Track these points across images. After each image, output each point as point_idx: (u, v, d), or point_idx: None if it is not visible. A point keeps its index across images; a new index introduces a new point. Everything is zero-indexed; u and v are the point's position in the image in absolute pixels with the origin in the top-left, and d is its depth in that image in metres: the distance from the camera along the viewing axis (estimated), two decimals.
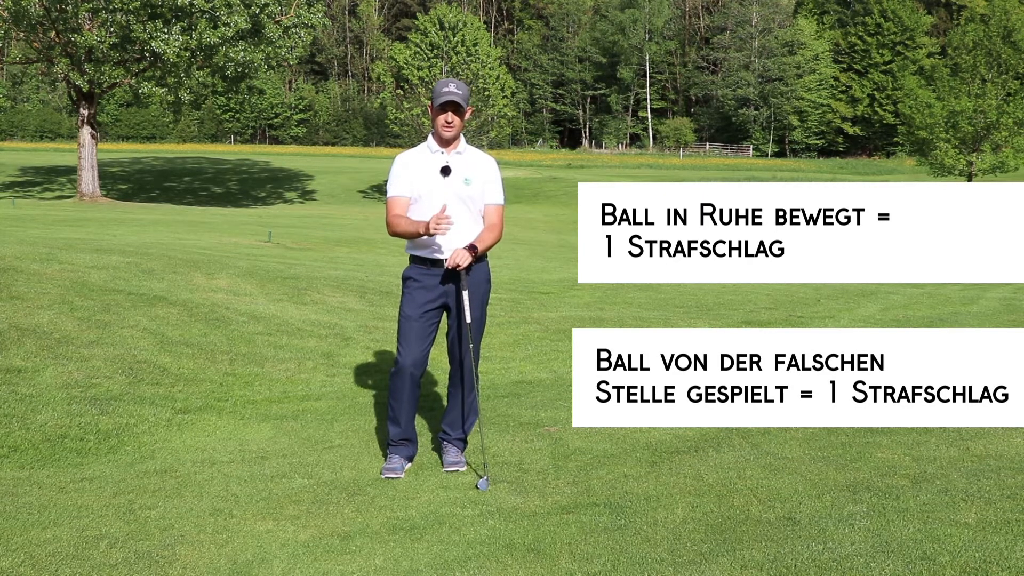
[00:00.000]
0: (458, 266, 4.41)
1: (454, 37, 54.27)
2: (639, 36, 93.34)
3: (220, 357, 6.79)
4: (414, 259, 4.61)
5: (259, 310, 8.17)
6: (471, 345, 4.58)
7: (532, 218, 40.94)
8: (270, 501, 4.16)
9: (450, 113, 4.46)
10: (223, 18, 32.82)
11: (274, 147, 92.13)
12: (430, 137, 4.62)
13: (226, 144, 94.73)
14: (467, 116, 4.54)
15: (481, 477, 4.42)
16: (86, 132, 35.21)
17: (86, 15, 33.04)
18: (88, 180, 35.52)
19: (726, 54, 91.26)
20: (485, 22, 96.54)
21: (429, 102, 4.52)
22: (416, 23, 57.74)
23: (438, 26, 54.76)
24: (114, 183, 50.87)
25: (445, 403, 5.03)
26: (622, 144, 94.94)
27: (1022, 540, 3.52)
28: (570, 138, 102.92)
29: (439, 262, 4.52)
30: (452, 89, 4.46)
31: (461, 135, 4.61)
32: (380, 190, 52.41)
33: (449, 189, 4.48)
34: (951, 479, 4.28)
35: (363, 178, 55.44)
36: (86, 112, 35.01)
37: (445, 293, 4.57)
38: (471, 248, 4.43)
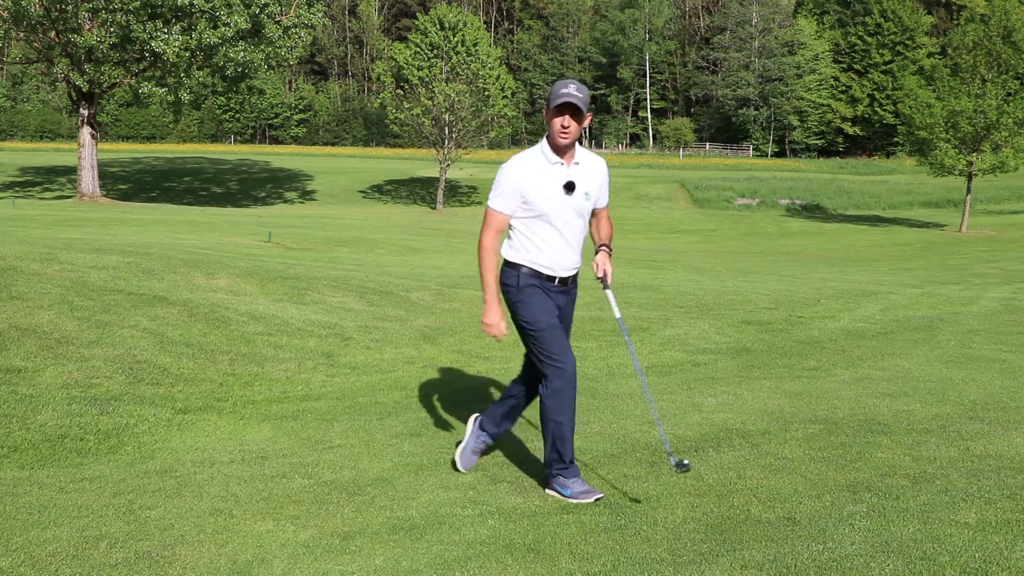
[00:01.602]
0: (606, 272, 4.21)
1: (454, 37, 54.28)
2: (639, 36, 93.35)
3: (220, 357, 6.79)
4: (524, 268, 4.20)
5: (259, 310, 8.17)
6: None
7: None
8: (270, 501, 4.16)
9: (567, 116, 4.00)
10: (223, 18, 32.84)
11: (274, 147, 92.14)
12: (544, 144, 4.14)
13: (226, 144, 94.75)
14: (586, 123, 4.09)
15: (679, 459, 4.14)
16: (86, 132, 35.22)
17: (86, 15, 33.04)
18: (88, 180, 35.54)
19: (726, 54, 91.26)
20: (485, 22, 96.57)
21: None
22: (416, 23, 57.77)
23: (438, 26, 54.77)
24: (114, 183, 50.87)
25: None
26: (622, 144, 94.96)
27: (1022, 540, 3.52)
28: None
29: (553, 278, 4.20)
30: (572, 91, 3.99)
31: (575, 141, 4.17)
32: (380, 190, 52.44)
33: (570, 205, 4.13)
34: (951, 479, 4.28)
35: (363, 178, 55.44)
36: (86, 112, 35.02)
37: (556, 304, 4.25)
38: (608, 250, 4.27)
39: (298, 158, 71.28)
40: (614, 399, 6.14)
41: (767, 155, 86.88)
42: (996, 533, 3.59)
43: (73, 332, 6.63)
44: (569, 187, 4.10)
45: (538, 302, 4.16)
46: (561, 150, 4.10)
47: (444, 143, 45.89)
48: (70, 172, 46.26)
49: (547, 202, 4.08)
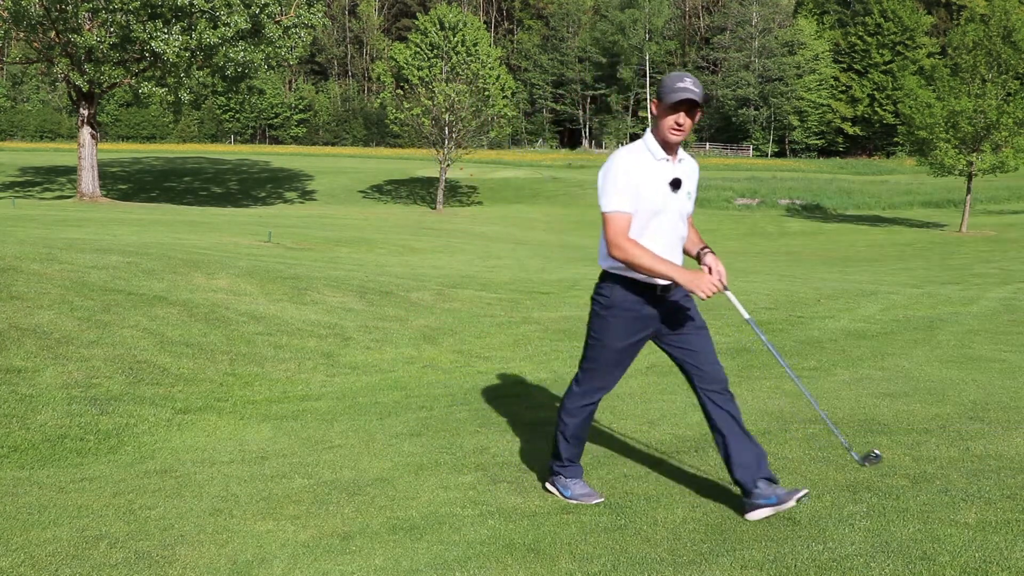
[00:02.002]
0: (722, 275, 3.91)
1: (454, 37, 54.29)
2: (639, 36, 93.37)
3: (220, 357, 6.79)
4: (623, 280, 3.91)
5: (259, 310, 8.17)
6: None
7: (532, 218, 40.95)
8: (270, 501, 4.16)
9: (683, 114, 3.73)
10: (223, 18, 32.85)
11: (274, 147, 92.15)
12: (649, 138, 3.86)
13: (226, 144, 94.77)
14: (697, 118, 3.83)
15: (867, 453, 4.00)
16: (86, 132, 35.22)
17: (86, 15, 33.05)
18: (88, 180, 35.55)
19: (726, 54, 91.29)
20: (485, 22, 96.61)
21: (653, 100, 3.79)
22: (416, 23, 57.77)
23: (438, 26, 54.79)
24: (114, 183, 50.87)
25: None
26: (622, 144, 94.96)
27: (1022, 540, 3.52)
28: (570, 138, 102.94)
29: (653, 287, 3.89)
30: (689, 85, 3.71)
31: None
32: (380, 190, 52.44)
33: (675, 205, 3.87)
34: (951, 479, 4.28)
35: (363, 178, 55.45)
36: (86, 112, 35.03)
37: (654, 319, 3.96)
38: (710, 249, 4.04)
39: (298, 158, 71.29)
40: (614, 399, 6.14)
41: (767, 155, 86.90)
42: (996, 533, 3.59)
43: (73, 332, 6.63)
44: (676, 184, 3.85)
45: (620, 328, 3.93)
46: (669, 146, 3.83)
47: (444, 143, 45.90)
48: (70, 172, 46.28)
49: (655, 201, 3.81)
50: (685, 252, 4.07)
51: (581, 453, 4.23)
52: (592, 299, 4.04)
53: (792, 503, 3.80)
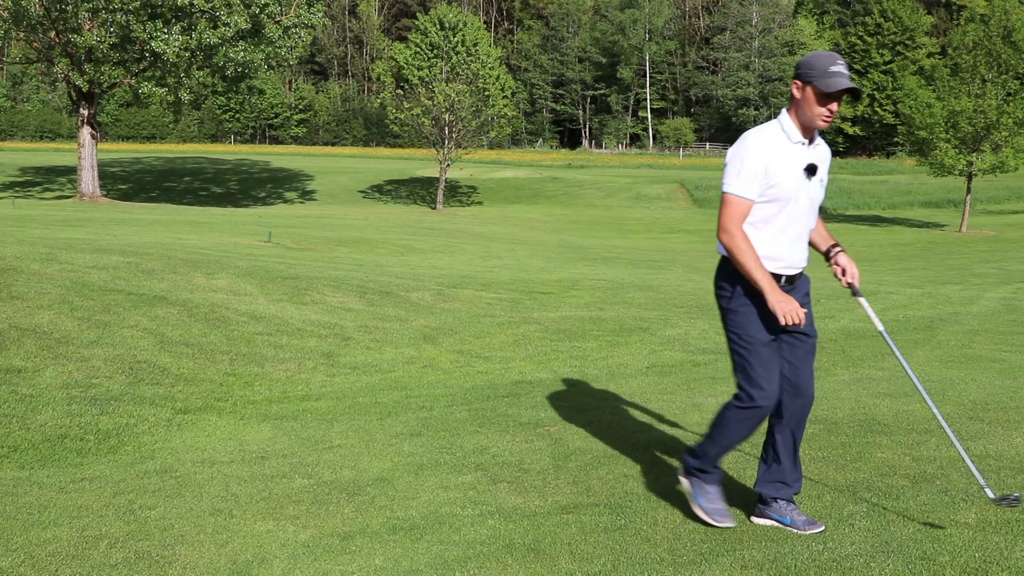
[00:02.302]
0: (855, 277, 3.71)
1: (454, 37, 54.31)
2: (639, 36, 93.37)
3: (220, 357, 6.79)
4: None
5: (259, 310, 8.17)
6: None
7: (532, 218, 40.96)
8: (270, 501, 4.16)
9: (835, 105, 3.45)
10: (223, 18, 32.85)
11: (274, 147, 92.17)
12: (786, 118, 3.55)
13: (226, 144, 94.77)
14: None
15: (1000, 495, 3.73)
16: (86, 132, 35.23)
17: (86, 15, 33.05)
18: (88, 180, 35.55)
19: (726, 54, 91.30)
20: (485, 22, 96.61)
21: (802, 81, 3.41)
22: (416, 23, 57.80)
23: (438, 26, 54.81)
24: (114, 183, 50.87)
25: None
26: (622, 144, 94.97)
27: (1022, 540, 3.52)
28: (570, 138, 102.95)
29: (779, 277, 3.60)
30: (843, 70, 3.42)
31: None
32: (380, 190, 52.44)
33: (807, 192, 3.58)
34: (951, 479, 4.28)
35: (363, 178, 55.44)
36: (86, 112, 35.03)
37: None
38: (841, 247, 3.76)
39: (298, 158, 71.29)
40: (614, 399, 6.14)
41: None
42: (996, 533, 3.59)
43: (73, 332, 6.63)
44: (811, 170, 3.55)
45: (755, 313, 3.58)
46: (807, 130, 3.54)
47: (444, 143, 45.91)
48: (70, 172, 46.28)
49: (787, 188, 3.51)
50: (812, 246, 3.79)
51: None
52: (716, 295, 3.74)
53: (803, 533, 3.66)
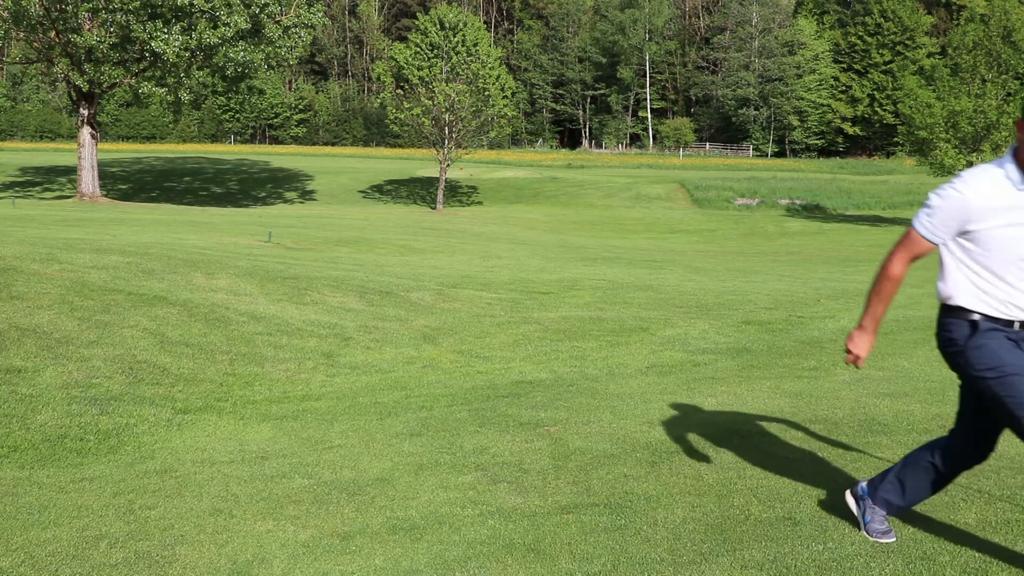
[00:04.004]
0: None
1: (454, 37, 54.27)
2: (639, 36, 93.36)
3: (220, 357, 6.79)
4: (985, 316, 3.21)
5: (259, 310, 8.17)
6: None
7: (532, 218, 40.95)
8: (270, 501, 4.16)
9: None
10: (223, 18, 32.84)
11: (274, 147, 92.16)
12: (1008, 161, 3.16)
13: (226, 144, 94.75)
14: None
15: None
16: (86, 132, 35.23)
17: (86, 15, 33.05)
18: (88, 180, 35.55)
19: (726, 54, 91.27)
20: (485, 22, 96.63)
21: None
22: (416, 23, 57.74)
23: (438, 26, 54.78)
24: (114, 183, 50.87)
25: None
26: (622, 144, 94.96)
27: (1022, 540, 3.52)
28: (570, 138, 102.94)
29: (1012, 323, 3.19)
30: None
31: None
32: (380, 190, 52.44)
33: None
34: None
35: (363, 178, 55.44)
36: (86, 112, 35.04)
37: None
38: None
39: (298, 158, 71.28)
40: (614, 399, 6.14)
41: (767, 155, 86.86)
42: (996, 533, 3.59)
43: (73, 332, 6.63)
44: None
45: (998, 345, 3.18)
46: None
47: (444, 143, 45.90)
48: (70, 172, 46.28)
49: (1009, 235, 3.12)
50: None
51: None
52: (944, 349, 3.36)
53: (870, 536, 3.58)
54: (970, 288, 3.21)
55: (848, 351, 3.40)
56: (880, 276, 3.31)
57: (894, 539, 3.55)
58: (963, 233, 3.18)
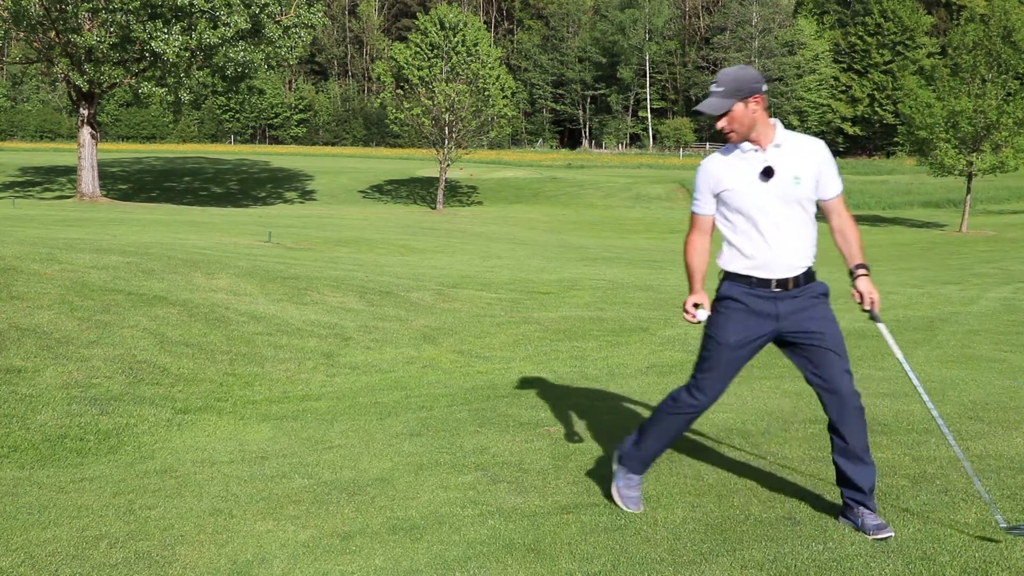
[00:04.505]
0: (873, 302, 3.68)
1: (454, 37, 54.28)
2: (639, 36, 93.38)
3: (220, 357, 6.79)
4: (733, 276, 3.74)
5: (259, 310, 8.17)
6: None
7: (532, 218, 40.95)
8: (270, 501, 4.16)
9: (718, 121, 3.68)
10: (223, 18, 32.85)
11: (274, 147, 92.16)
12: None
13: (226, 144, 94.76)
14: (752, 106, 3.59)
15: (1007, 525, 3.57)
16: (86, 132, 35.23)
17: (86, 15, 33.05)
18: (88, 180, 35.56)
19: (726, 54, 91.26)
20: (485, 22, 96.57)
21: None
22: (416, 23, 57.75)
23: (438, 26, 54.78)
24: (114, 183, 50.87)
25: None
26: (622, 144, 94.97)
27: (1022, 540, 3.52)
28: (570, 138, 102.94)
29: (767, 282, 3.67)
30: (710, 90, 3.66)
31: (776, 123, 3.69)
32: (380, 190, 52.49)
33: (774, 194, 3.63)
34: (951, 479, 4.27)
35: (363, 178, 55.45)
36: (86, 112, 35.04)
37: (777, 318, 3.68)
38: (867, 271, 3.73)
39: (298, 158, 71.28)
40: (614, 399, 6.14)
41: None
42: (996, 533, 3.59)
43: (73, 332, 6.63)
44: (767, 173, 3.63)
45: (736, 320, 3.70)
46: (756, 138, 3.66)
47: (444, 143, 45.91)
48: (70, 172, 46.27)
49: (744, 193, 3.64)
50: (843, 257, 3.81)
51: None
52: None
53: (870, 536, 3.62)
54: (727, 249, 3.79)
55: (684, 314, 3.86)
56: (685, 256, 3.91)
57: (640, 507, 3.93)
58: (718, 198, 3.75)
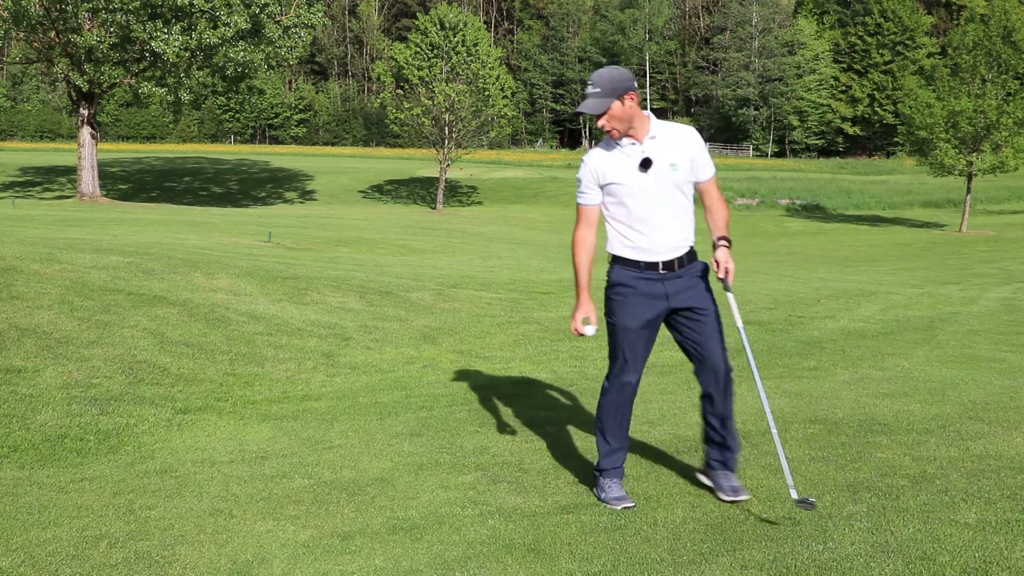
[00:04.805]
0: (728, 271, 3.97)
1: (454, 37, 54.29)
2: (639, 36, 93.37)
3: (220, 357, 6.79)
4: (622, 260, 4.01)
5: (259, 310, 8.17)
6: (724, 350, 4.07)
7: (532, 218, 40.96)
8: (270, 501, 4.16)
9: (598, 119, 3.94)
10: (223, 18, 32.85)
11: (274, 147, 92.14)
12: None
13: (226, 144, 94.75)
14: (628, 103, 3.84)
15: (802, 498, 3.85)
16: (86, 132, 35.24)
17: (86, 15, 33.05)
18: (88, 180, 35.56)
19: (726, 54, 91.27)
20: (485, 22, 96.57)
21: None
22: (416, 23, 57.77)
23: (438, 26, 54.79)
24: (114, 183, 50.87)
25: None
26: None
27: (1022, 540, 3.52)
28: (570, 138, 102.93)
29: (654, 264, 3.96)
30: (587, 92, 3.91)
31: (650, 116, 3.97)
32: (380, 190, 52.51)
33: (653, 183, 3.90)
34: (951, 479, 4.27)
35: (363, 178, 55.46)
36: (86, 112, 35.04)
37: (667, 298, 3.97)
38: (728, 243, 4.01)
39: (298, 158, 71.26)
40: None
41: (767, 155, 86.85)
42: (996, 533, 3.59)
43: (73, 332, 6.63)
44: (645, 164, 3.91)
45: (631, 305, 3.97)
46: (632, 132, 3.93)
47: (444, 143, 45.92)
48: (70, 172, 46.27)
49: (626, 184, 3.92)
50: (710, 232, 4.07)
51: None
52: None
53: (725, 498, 4.02)
54: (614, 235, 4.07)
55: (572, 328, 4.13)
56: (573, 249, 4.14)
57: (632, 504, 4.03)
58: (604, 189, 4.02)
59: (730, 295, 4.00)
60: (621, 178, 3.92)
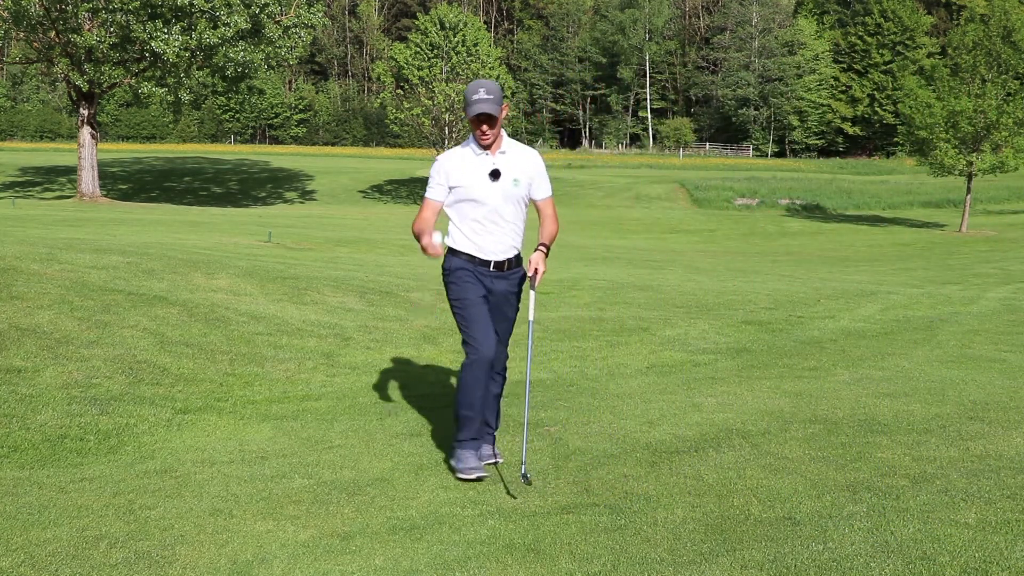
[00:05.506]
0: (536, 271, 4.46)
1: (454, 37, 54.30)
2: (639, 36, 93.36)
3: (220, 357, 6.79)
4: (460, 254, 4.54)
5: (259, 310, 8.17)
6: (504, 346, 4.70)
7: (532, 218, 40.85)
8: (270, 501, 4.16)
9: (484, 126, 4.34)
10: (223, 18, 32.84)
11: (274, 147, 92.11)
12: (471, 138, 4.50)
13: (226, 144, 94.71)
14: (503, 115, 4.36)
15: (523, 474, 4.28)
16: (86, 132, 35.23)
17: (86, 15, 33.04)
18: (88, 180, 35.55)
19: (726, 54, 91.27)
20: (485, 22, 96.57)
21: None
22: (416, 23, 57.78)
23: (438, 26, 54.79)
24: (114, 183, 50.87)
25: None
26: (622, 144, 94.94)
27: (1022, 540, 3.52)
28: (570, 138, 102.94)
29: (487, 263, 4.52)
30: (482, 96, 4.28)
31: (503, 133, 4.47)
32: (380, 190, 52.47)
33: (499, 191, 4.44)
34: (951, 479, 4.28)
35: (363, 178, 55.44)
36: (86, 112, 35.03)
37: (489, 290, 4.56)
38: (545, 250, 4.53)
39: (298, 158, 71.25)
40: (614, 399, 6.14)
41: (767, 155, 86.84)
42: (996, 533, 3.59)
43: (73, 332, 6.63)
44: (495, 174, 4.40)
45: (468, 284, 4.49)
46: (486, 146, 4.43)
47: (444, 143, 45.92)
48: (70, 172, 46.26)
49: (474, 188, 4.40)
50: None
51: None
52: (443, 276, 4.69)
53: (463, 476, 4.40)
54: (457, 233, 4.64)
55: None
56: (416, 226, 4.65)
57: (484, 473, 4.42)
58: (452, 189, 4.55)
59: (532, 293, 4.57)
60: (469, 182, 4.40)
